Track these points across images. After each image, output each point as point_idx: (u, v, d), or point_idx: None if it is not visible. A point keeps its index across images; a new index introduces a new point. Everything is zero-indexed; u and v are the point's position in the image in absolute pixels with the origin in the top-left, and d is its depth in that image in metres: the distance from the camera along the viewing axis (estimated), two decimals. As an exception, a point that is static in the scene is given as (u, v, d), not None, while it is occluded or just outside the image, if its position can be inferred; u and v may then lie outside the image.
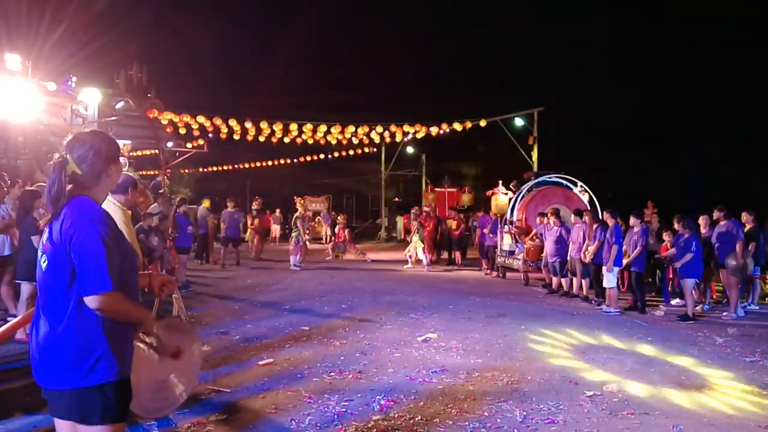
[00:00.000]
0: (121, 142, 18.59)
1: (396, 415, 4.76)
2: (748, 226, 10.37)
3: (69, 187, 2.48)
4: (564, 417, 4.81)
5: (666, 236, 11.22)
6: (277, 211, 29.55)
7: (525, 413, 4.87)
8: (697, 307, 9.91)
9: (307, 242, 17.56)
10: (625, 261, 10.24)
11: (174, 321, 3.02)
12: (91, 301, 2.33)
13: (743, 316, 9.72)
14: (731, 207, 10.40)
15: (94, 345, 2.38)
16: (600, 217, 11.97)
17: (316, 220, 30.94)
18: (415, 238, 16.99)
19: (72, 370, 2.36)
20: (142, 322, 2.60)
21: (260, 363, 6.25)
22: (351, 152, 30.48)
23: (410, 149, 32.84)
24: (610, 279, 10.10)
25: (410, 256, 17.13)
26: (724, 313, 9.78)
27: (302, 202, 17.62)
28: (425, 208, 19.49)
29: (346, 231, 20.09)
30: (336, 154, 30.88)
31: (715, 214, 10.28)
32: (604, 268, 10.20)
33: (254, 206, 19.96)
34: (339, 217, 20.91)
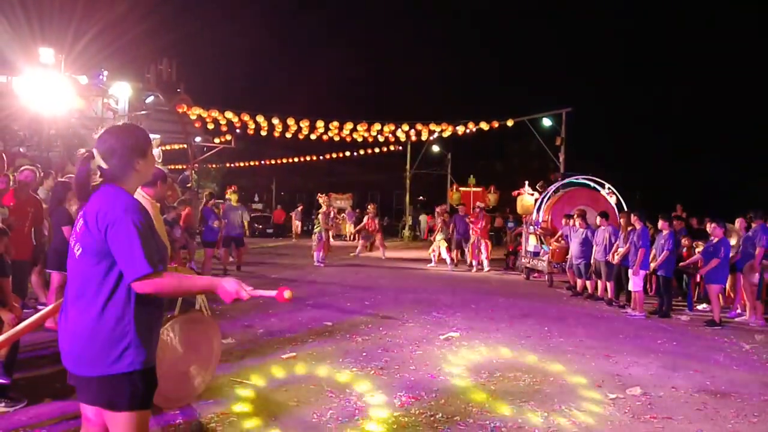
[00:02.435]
0: (150, 136, 18.94)
1: (417, 412, 4.77)
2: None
3: (100, 179, 2.55)
4: (586, 420, 4.78)
5: (685, 241, 11.10)
6: (299, 207, 29.49)
7: (546, 414, 4.85)
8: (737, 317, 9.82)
9: (330, 238, 17.48)
10: (652, 265, 10.11)
11: (197, 315, 3.05)
12: (137, 287, 2.38)
13: (763, 324, 9.51)
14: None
15: (124, 333, 2.42)
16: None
17: (341, 217, 30.98)
18: (439, 236, 16.93)
19: (101, 357, 2.40)
20: (205, 287, 2.64)
21: (283, 356, 6.30)
22: (377, 150, 30.52)
23: (436, 148, 32.78)
24: (636, 282, 9.98)
25: (434, 255, 17.09)
26: (751, 320, 9.61)
27: (325, 198, 17.45)
28: (479, 204, 18.02)
29: (377, 220, 19.85)
30: (362, 152, 30.96)
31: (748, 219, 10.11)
32: (630, 271, 10.09)
33: (227, 194, 15.27)
34: (369, 207, 20.54)
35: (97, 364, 2.41)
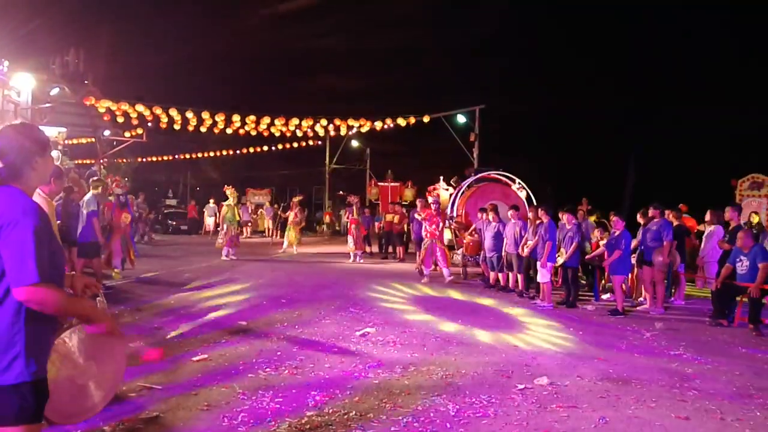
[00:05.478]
0: (55, 130, 18.02)
1: (330, 411, 4.76)
2: (676, 223, 10.85)
3: None
4: (495, 410, 4.91)
5: (597, 233, 11.60)
6: (211, 201, 28.04)
7: (458, 407, 4.95)
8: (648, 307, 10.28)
9: (240, 232, 16.86)
10: (561, 259, 10.48)
11: None
12: (19, 293, 2.27)
13: (663, 312, 10.10)
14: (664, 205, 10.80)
15: (12, 343, 2.32)
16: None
17: (258, 213, 30.48)
18: (355, 227, 16.96)
19: None
20: (81, 313, 2.53)
21: (194, 359, 6.14)
22: (295, 144, 30.25)
23: (355, 143, 32.88)
24: (543, 274, 10.35)
25: (353, 249, 17.04)
26: (651, 309, 10.16)
27: (232, 190, 16.77)
28: (432, 200, 14.65)
29: (296, 212, 19.13)
30: (280, 147, 30.63)
31: (651, 212, 10.61)
32: (538, 264, 10.45)
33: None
34: (295, 199, 19.96)
35: None
